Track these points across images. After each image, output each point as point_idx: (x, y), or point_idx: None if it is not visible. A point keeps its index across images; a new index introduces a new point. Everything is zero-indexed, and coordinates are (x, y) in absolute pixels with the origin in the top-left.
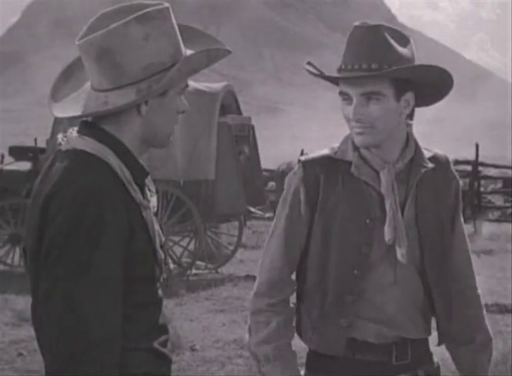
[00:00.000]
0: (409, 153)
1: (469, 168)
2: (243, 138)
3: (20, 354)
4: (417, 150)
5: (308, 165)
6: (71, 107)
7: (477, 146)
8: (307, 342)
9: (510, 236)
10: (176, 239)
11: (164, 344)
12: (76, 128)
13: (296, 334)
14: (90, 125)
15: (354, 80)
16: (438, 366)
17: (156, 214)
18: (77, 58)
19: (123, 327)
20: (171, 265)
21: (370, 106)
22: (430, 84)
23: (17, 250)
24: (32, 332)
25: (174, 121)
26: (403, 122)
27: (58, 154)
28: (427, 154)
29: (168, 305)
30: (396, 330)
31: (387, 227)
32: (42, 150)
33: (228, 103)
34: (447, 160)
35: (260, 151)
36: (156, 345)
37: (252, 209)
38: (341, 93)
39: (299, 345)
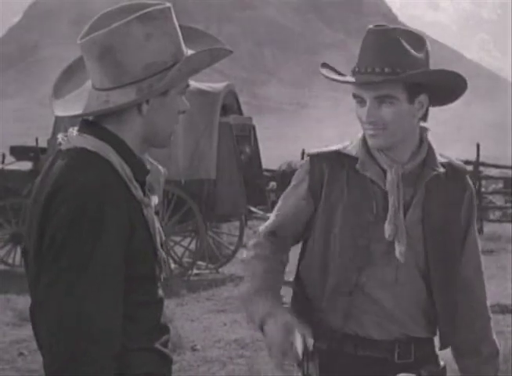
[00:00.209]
0: (419, 156)
1: (470, 168)
2: (245, 138)
3: (21, 354)
4: (430, 153)
5: (316, 159)
6: (72, 106)
7: (478, 146)
8: None
9: (510, 237)
10: (177, 239)
11: (165, 344)
12: (76, 128)
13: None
14: (91, 124)
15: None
16: (444, 369)
17: (157, 213)
18: (78, 58)
19: (124, 327)
20: (172, 265)
21: (383, 109)
22: (443, 87)
23: (18, 250)
24: None
25: (175, 120)
26: (416, 124)
27: (59, 154)
28: (441, 160)
29: (169, 305)
30: (397, 325)
31: (387, 224)
32: (43, 150)
33: (230, 103)
34: (464, 171)
35: (261, 151)
36: (157, 345)
37: (253, 209)
38: (355, 96)
39: None
